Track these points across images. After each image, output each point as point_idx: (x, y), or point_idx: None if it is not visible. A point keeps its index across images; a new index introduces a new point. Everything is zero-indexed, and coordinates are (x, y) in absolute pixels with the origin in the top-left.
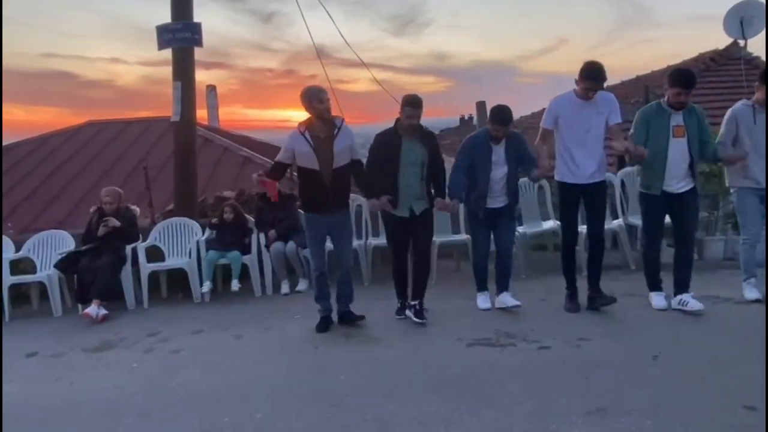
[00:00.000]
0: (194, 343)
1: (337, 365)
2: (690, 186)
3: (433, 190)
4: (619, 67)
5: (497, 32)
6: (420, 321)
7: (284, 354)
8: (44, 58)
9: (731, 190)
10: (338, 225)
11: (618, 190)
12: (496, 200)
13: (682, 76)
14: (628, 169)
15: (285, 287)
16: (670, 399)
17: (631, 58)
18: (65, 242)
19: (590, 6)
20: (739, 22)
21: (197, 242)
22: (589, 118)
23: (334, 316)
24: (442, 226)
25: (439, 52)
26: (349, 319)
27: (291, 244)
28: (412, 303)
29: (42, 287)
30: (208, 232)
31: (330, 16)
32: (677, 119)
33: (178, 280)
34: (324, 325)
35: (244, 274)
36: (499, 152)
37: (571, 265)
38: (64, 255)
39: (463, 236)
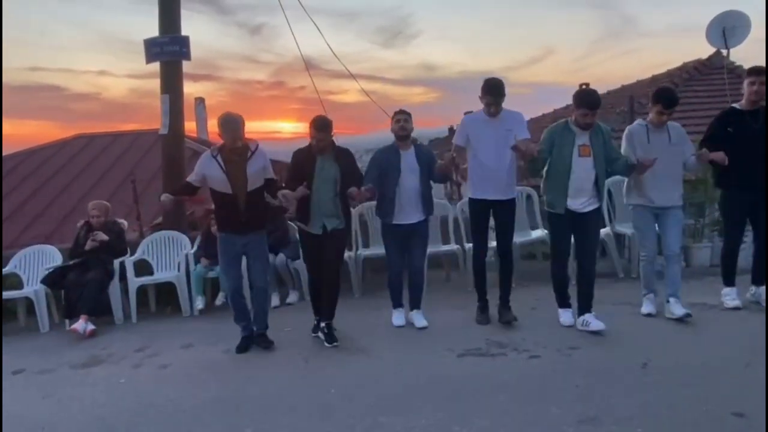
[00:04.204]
0: (183, 358)
1: (328, 378)
2: (594, 206)
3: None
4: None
5: (485, 43)
6: (331, 345)
7: (274, 367)
8: (32, 72)
9: (629, 207)
10: (252, 245)
11: (605, 200)
12: (410, 215)
13: (589, 98)
14: (615, 178)
15: (275, 300)
16: (660, 406)
17: (617, 68)
18: (52, 257)
19: (577, 16)
20: (721, 32)
21: (186, 255)
22: (498, 136)
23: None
24: (432, 237)
25: (428, 64)
26: (263, 343)
27: (281, 256)
28: (322, 324)
29: (29, 303)
30: (197, 245)
31: (318, 29)
32: (583, 139)
33: (166, 294)
34: (245, 346)
35: None
36: (408, 158)
37: (482, 278)
38: (51, 270)
39: (453, 246)
